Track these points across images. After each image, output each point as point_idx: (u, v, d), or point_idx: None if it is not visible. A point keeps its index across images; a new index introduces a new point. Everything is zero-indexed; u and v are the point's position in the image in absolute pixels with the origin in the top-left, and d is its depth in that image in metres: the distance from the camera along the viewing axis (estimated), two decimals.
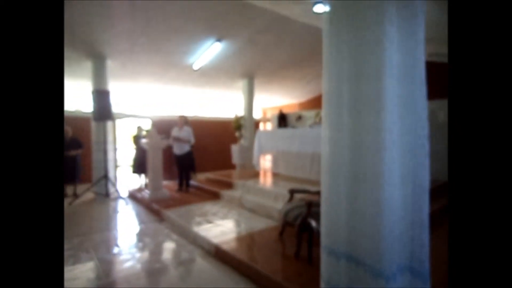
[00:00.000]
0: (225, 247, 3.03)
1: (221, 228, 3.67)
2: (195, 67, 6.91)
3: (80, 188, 6.09)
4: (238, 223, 3.96)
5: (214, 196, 5.39)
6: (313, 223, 2.49)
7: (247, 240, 3.31)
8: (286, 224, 3.03)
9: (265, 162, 7.30)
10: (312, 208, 2.64)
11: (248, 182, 5.20)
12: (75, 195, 5.90)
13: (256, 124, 10.08)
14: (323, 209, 1.68)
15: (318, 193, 3.33)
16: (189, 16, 4.94)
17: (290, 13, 4.95)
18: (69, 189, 6.22)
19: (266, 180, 5.60)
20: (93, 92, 5.59)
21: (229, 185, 5.62)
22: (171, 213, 4.34)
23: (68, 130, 6.33)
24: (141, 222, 4.47)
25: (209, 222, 3.93)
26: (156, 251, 3.33)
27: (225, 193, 5.19)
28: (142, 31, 5.22)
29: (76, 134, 6.61)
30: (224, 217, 4.18)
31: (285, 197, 3.95)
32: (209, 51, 6.23)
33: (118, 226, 4.27)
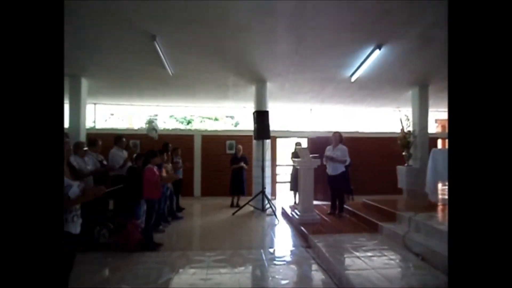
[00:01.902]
0: None
1: (375, 274, 2.91)
2: (353, 79, 6.33)
3: (242, 200, 6.81)
4: (400, 272, 3.06)
5: (370, 228, 4.55)
6: None
7: None
8: None
9: (445, 190, 5.67)
10: None
11: (418, 216, 4.07)
12: (238, 206, 6.59)
13: (432, 141, 8.15)
14: None
15: None
16: (341, 26, 4.50)
17: None
18: (234, 200, 7.06)
19: (444, 217, 4.22)
20: (254, 113, 6.11)
21: (391, 216, 4.61)
22: (319, 241, 3.91)
23: (240, 149, 7.26)
24: (287, 244, 4.34)
25: (361, 261, 3.23)
26: (295, 285, 3.01)
27: (385, 226, 4.27)
28: (296, 50, 5.24)
29: (245, 151, 7.45)
30: (381, 258, 3.34)
31: None
32: (368, 61, 5.53)
33: (265, 245, 4.29)
